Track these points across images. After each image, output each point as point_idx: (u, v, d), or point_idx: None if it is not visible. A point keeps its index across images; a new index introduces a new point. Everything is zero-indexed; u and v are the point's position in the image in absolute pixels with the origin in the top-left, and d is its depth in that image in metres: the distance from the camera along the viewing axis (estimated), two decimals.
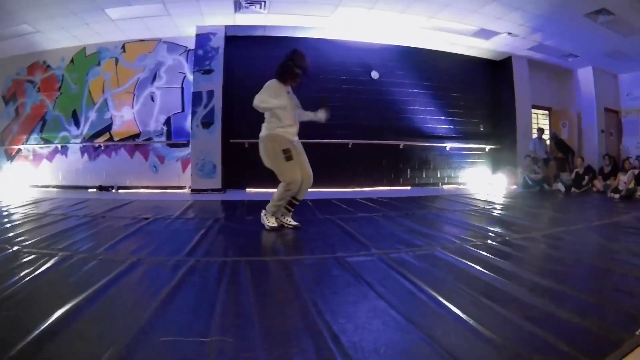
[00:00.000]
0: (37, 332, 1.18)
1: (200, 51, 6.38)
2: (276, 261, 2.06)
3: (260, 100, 2.67)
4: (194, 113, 6.24)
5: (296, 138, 2.92)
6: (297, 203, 3.04)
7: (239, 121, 6.45)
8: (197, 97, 6.25)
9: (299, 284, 1.64)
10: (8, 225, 3.18)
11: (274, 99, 2.71)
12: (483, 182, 7.37)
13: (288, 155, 2.75)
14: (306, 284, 1.64)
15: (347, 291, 1.57)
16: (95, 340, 1.16)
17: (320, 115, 3.03)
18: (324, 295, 1.52)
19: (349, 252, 2.20)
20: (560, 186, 7.01)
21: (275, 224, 2.90)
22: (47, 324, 1.24)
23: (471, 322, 1.23)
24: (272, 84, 2.78)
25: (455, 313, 1.30)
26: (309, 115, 3.06)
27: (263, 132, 2.85)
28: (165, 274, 1.82)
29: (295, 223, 2.98)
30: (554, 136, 7.90)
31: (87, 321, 1.30)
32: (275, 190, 2.92)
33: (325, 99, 3.13)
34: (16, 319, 1.31)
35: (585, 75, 8.24)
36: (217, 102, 6.24)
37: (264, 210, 2.97)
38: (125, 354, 1.06)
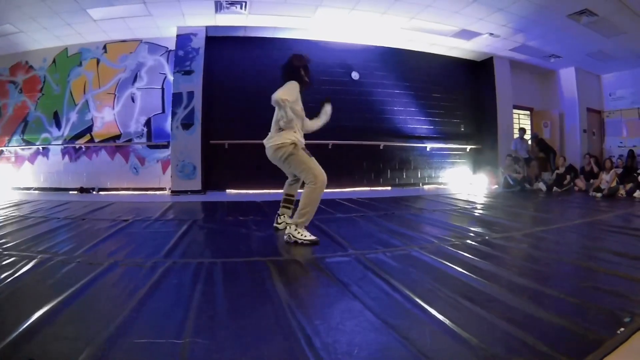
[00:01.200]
0: (15, 333, 1.20)
1: (181, 52, 6.38)
2: (252, 262, 2.06)
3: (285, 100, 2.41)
4: (174, 114, 6.24)
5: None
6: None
7: (219, 122, 6.48)
8: (177, 98, 6.25)
9: (275, 285, 1.65)
10: None
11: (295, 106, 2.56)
12: (464, 182, 7.42)
13: (308, 152, 2.61)
14: (282, 285, 1.65)
15: (323, 292, 1.58)
16: (71, 341, 1.17)
17: (324, 117, 2.95)
18: (298, 296, 1.53)
19: (326, 253, 2.20)
20: (541, 186, 7.07)
21: (313, 237, 2.49)
22: (25, 326, 1.25)
23: (447, 323, 1.22)
24: (296, 87, 2.58)
25: (432, 314, 1.29)
26: (317, 124, 2.93)
27: (283, 140, 2.55)
28: (142, 276, 1.84)
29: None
30: (535, 136, 7.96)
31: (64, 322, 1.31)
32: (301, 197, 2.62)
33: (328, 99, 3.06)
34: None
35: (567, 76, 8.30)
36: (197, 103, 6.24)
37: (291, 226, 2.54)
38: (100, 355, 1.07)
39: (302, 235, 2.49)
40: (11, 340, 1.16)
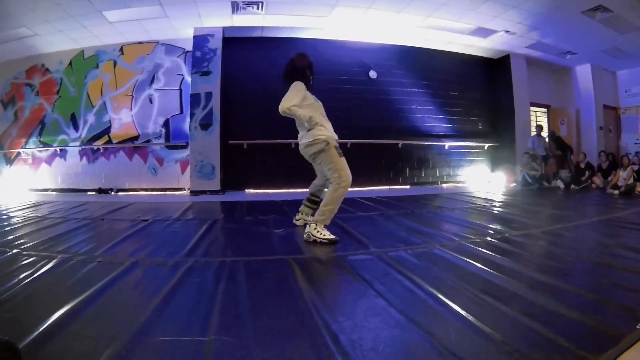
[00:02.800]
0: (35, 333, 1.18)
1: (198, 53, 6.38)
2: (274, 261, 2.05)
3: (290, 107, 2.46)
4: (192, 115, 6.24)
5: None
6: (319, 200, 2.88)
7: (238, 122, 6.47)
8: (195, 99, 6.25)
9: (298, 283, 1.64)
10: (7, 228, 3.19)
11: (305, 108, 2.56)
12: (482, 180, 7.37)
13: (340, 151, 2.56)
14: (305, 283, 1.64)
15: (346, 290, 1.57)
16: (93, 340, 1.16)
17: None
18: (322, 294, 1.52)
19: (348, 251, 2.19)
20: (559, 183, 7.02)
21: (332, 237, 2.46)
22: (45, 326, 1.24)
23: (471, 319, 1.22)
24: (302, 86, 2.59)
25: (455, 310, 1.30)
26: None
27: (314, 137, 2.55)
28: (164, 275, 1.82)
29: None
30: (552, 134, 7.90)
31: (86, 322, 1.30)
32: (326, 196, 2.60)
33: None
34: (15, 320, 1.32)
35: (583, 73, 8.24)
36: (216, 104, 6.24)
37: (311, 225, 2.53)
38: (124, 354, 1.06)
39: (321, 234, 2.46)
40: (33, 338, 1.15)
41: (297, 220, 3.03)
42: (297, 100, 2.51)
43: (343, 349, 1.05)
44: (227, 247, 2.46)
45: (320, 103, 2.75)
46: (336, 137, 2.63)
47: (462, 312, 1.27)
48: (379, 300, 1.40)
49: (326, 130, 2.58)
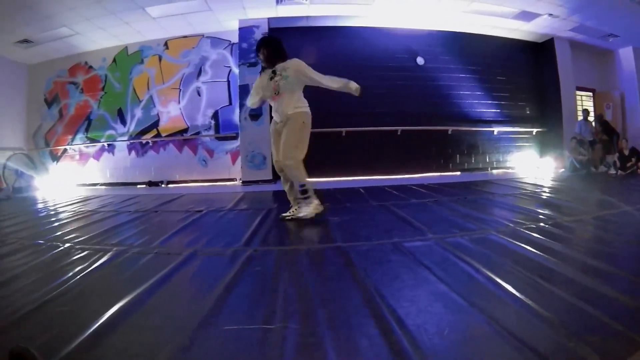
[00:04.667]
0: (95, 326, 1.17)
1: (245, 44, 6.40)
2: (334, 248, 2.03)
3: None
4: (241, 106, 6.26)
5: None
6: None
7: None
8: (243, 90, 6.26)
9: (359, 270, 1.63)
10: (57, 223, 3.18)
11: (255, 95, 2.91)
12: (531, 165, 7.26)
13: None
14: (366, 270, 1.63)
15: (407, 276, 1.56)
16: (157, 331, 1.15)
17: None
18: (384, 280, 1.51)
19: (406, 238, 2.18)
20: (610, 168, 6.88)
21: (318, 209, 2.70)
22: (105, 318, 1.23)
23: (530, 303, 1.23)
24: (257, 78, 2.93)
25: (514, 294, 1.31)
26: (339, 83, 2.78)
27: (303, 109, 2.78)
28: (224, 265, 1.80)
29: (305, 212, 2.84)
30: (599, 118, 7.75)
31: (147, 313, 1.28)
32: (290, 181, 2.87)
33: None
34: (73, 313, 1.30)
35: (626, 56, 8.05)
36: None
37: (295, 207, 2.79)
38: (189, 344, 1.04)
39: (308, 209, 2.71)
40: (91, 332, 1.13)
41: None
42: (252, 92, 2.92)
43: (409, 333, 1.06)
44: (284, 235, 2.44)
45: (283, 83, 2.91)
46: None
47: (521, 297, 1.28)
48: (440, 286, 1.42)
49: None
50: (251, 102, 2.99)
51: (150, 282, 1.56)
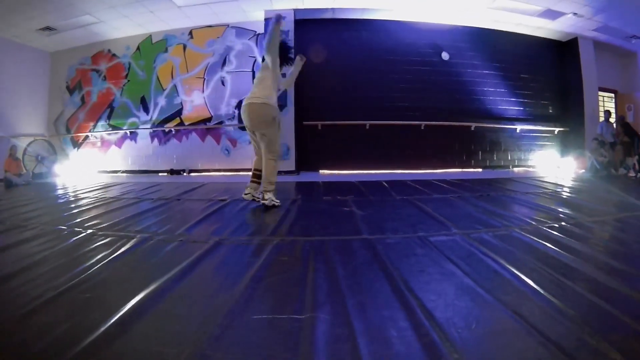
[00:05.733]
0: (120, 313, 1.16)
1: None
2: (360, 240, 2.04)
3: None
4: None
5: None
6: None
7: (312, 103, 6.48)
8: None
9: (386, 263, 1.64)
10: (78, 209, 3.17)
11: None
12: (552, 165, 7.24)
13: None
14: (393, 262, 1.64)
15: (433, 270, 1.57)
16: (185, 320, 1.13)
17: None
18: (412, 273, 1.52)
19: (431, 232, 2.19)
20: (630, 171, 6.83)
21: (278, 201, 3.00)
22: (131, 305, 1.21)
23: (554, 300, 1.24)
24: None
25: (538, 291, 1.32)
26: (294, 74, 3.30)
27: (269, 100, 2.90)
28: (250, 254, 1.80)
29: (277, 201, 3.03)
30: (620, 119, 7.70)
31: (175, 301, 1.27)
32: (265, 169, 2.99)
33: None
34: (98, 300, 1.28)
35: None
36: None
37: (263, 194, 2.96)
38: (219, 333, 1.04)
39: (274, 200, 2.96)
40: (117, 319, 1.12)
41: (246, 194, 3.13)
42: None
43: (439, 326, 1.07)
44: (310, 226, 2.42)
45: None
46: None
47: (545, 293, 1.30)
48: (467, 280, 1.43)
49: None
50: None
51: (176, 270, 1.55)
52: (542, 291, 1.32)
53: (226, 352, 0.96)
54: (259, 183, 3.06)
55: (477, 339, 1.01)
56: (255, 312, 1.17)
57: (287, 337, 1.02)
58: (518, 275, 1.48)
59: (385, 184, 4.53)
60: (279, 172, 6.03)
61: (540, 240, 2.02)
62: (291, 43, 3.84)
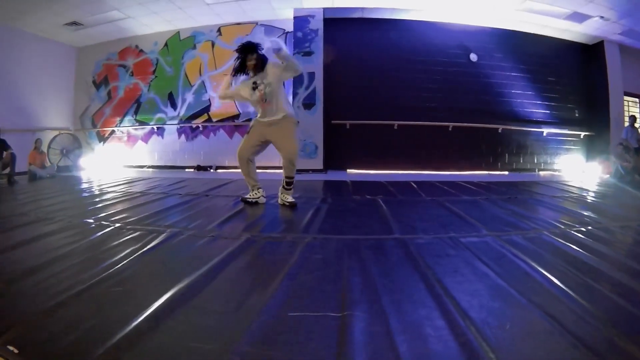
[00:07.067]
0: (153, 308, 1.14)
1: (299, 33, 6.45)
2: (392, 240, 2.05)
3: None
4: (295, 94, 6.31)
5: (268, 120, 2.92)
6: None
7: (340, 103, 6.51)
8: (298, 79, 6.31)
9: (419, 262, 1.66)
10: (104, 203, 3.17)
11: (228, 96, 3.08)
12: (577, 169, 7.23)
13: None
14: (426, 262, 1.66)
15: (467, 270, 1.58)
16: (218, 315, 1.12)
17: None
18: (445, 273, 1.53)
19: (461, 233, 2.20)
20: None
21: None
22: (163, 300, 1.20)
23: (584, 303, 1.26)
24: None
25: (569, 294, 1.33)
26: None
27: (292, 114, 2.92)
28: (283, 251, 1.80)
29: (292, 199, 3.05)
30: None
31: (208, 296, 1.26)
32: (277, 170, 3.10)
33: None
34: (128, 294, 1.27)
35: None
36: (319, 84, 6.30)
37: (283, 195, 3.03)
38: (254, 329, 1.04)
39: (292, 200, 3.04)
40: (151, 313, 1.11)
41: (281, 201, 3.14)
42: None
43: (474, 326, 1.08)
44: (342, 225, 2.43)
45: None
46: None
47: (576, 296, 1.32)
48: (500, 282, 1.45)
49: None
50: (222, 95, 3.05)
51: (209, 266, 1.54)
52: (572, 293, 1.34)
53: (261, 348, 0.95)
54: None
55: (511, 339, 1.03)
56: (291, 309, 1.16)
57: (324, 335, 1.02)
58: (548, 277, 1.50)
59: (414, 185, 4.56)
60: (307, 170, 6.13)
61: (568, 244, 2.04)
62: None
